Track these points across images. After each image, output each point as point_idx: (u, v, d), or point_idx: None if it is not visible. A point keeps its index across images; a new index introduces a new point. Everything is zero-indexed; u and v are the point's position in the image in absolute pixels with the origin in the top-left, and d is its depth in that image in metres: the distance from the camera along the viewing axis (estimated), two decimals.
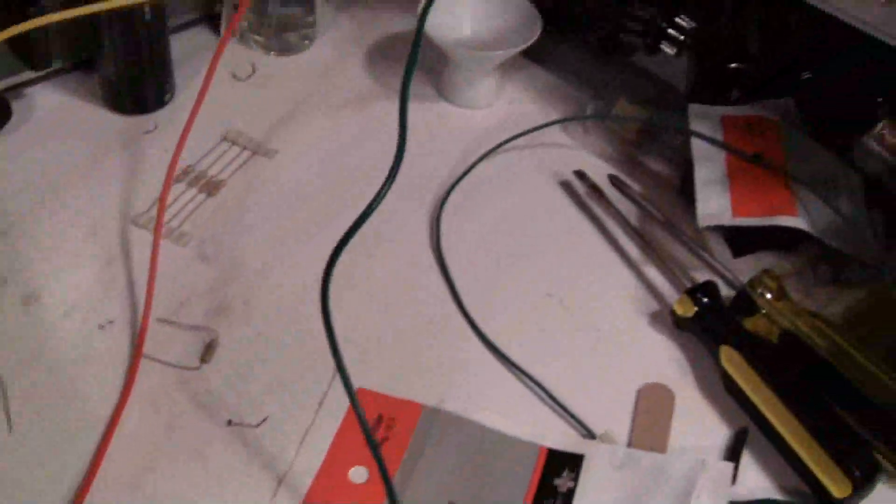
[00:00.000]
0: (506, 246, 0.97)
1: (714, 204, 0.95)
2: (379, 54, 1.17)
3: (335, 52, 1.17)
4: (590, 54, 1.15)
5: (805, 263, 0.98)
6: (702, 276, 0.94)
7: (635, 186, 1.04)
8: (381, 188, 0.72)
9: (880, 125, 0.97)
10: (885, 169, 0.98)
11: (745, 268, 0.97)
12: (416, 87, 1.13)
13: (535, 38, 1.06)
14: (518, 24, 1.09)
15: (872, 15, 0.89)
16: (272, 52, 1.15)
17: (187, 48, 1.13)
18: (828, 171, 1.00)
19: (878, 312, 0.89)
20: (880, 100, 1.00)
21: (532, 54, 1.11)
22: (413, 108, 1.05)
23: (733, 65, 1.10)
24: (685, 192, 1.01)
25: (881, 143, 0.97)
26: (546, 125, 1.08)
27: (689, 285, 0.92)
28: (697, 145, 1.00)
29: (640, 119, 1.05)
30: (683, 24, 1.12)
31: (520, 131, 1.07)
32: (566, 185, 1.03)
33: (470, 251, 0.97)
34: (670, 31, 1.12)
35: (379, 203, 0.72)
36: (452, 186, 1.02)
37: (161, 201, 0.94)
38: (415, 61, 0.80)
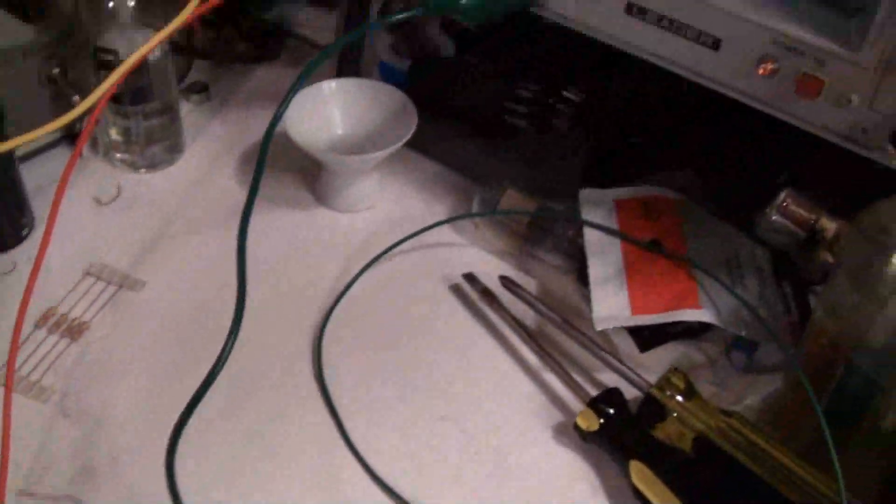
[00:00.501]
0: (395, 365, 0.90)
1: (611, 304, 0.89)
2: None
3: (207, 161, 1.10)
4: (475, 140, 1.08)
5: (718, 351, 0.92)
6: (606, 377, 0.88)
7: (532, 281, 0.98)
8: (223, 351, 0.66)
9: (782, 195, 0.92)
10: (791, 241, 0.92)
11: (654, 362, 0.91)
12: (290, 192, 1.07)
13: (411, 131, 0.99)
14: (394, 117, 1.03)
15: (753, 87, 0.83)
16: (141, 170, 1.07)
17: (50, 172, 1.05)
18: (732, 249, 0.95)
19: (796, 401, 0.83)
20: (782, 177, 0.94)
21: (414, 144, 1.04)
22: (288, 217, 1.00)
23: (627, 138, 1.04)
24: (584, 281, 0.94)
25: (784, 215, 0.91)
26: (432, 226, 1.00)
27: (592, 392, 0.86)
28: (591, 236, 0.94)
29: (528, 212, 0.98)
30: (572, 97, 1.06)
31: (405, 234, 1.00)
32: (458, 290, 0.97)
33: (355, 375, 0.90)
34: (559, 106, 1.06)
35: (222, 367, 0.65)
36: (334, 303, 0.95)
37: (10, 356, 0.86)
38: (254, 198, 0.74)
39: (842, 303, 0.78)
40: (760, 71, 0.81)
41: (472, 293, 0.95)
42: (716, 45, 0.84)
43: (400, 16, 0.82)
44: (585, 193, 0.98)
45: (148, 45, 0.89)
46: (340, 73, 1.12)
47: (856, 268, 0.76)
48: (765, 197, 0.93)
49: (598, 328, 0.88)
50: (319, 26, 1.27)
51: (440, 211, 1.05)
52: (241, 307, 0.76)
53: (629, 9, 0.87)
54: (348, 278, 0.97)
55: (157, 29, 0.92)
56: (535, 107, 1.05)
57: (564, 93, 1.07)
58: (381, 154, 0.97)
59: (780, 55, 0.81)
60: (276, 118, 0.83)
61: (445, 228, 1.02)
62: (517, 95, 1.06)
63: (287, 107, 0.86)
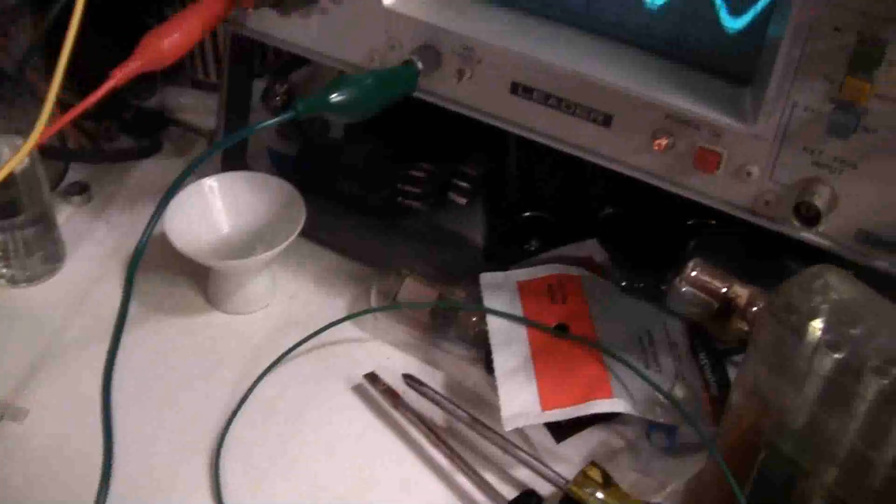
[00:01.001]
0: (301, 482, 0.85)
1: (519, 399, 0.85)
2: (142, 266, 1.02)
3: (90, 268, 1.04)
4: (370, 225, 1.03)
5: (638, 432, 0.88)
6: (522, 473, 0.84)
7: (439, 373, 0.93)
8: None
9: (691, 265, 0.88)
10: (704, 312, 0.88)
11: (572, 452, 0.87)
12: (179, 296, 1.01)
13: (299, 226, 0.94)
14: (281, 210, 0.98)
15: (649, 163, 0.81)
16: (21, 284, 1.01)
17: None
18: (643, 325, 0.91)
19: (719, 485, 0.79)
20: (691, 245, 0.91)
21: (308, 233, 0.99)
22: (177, 324, 0.96)
23: (528, 213, 1.00)
24: (493, 371, 0.89)
25: (695, 286, 0.88)
26: (330, 325, 0.95)
27: (508, 493, 0.82)
28: (495, 325, 0.90)
29: (429, 304, 0.93)
30: (469, 171, 1.02)
31: (303, 333, 0.95)
32: (361, 391, 0.91)
33: (258, 495, 0.84)
34: (455, 181, 1.02)
35: None
36: (231, 418, 0.89)
37: None
38: (123, 322, 0.69)
39: (758, 386, 0.74)
40: (655, 147, 0.78)
41: (376, 394, 0.90)
42: (607, 121, 0.80)
43: (270, 122, 0.77)
44: (487, 278, 0.93)
45: (10, 164, 0.83)
46: (226, 163, 1.07)
47: (769, 350, 0.73)
48: (674, 265, 0.90)
49: (508, 428, 0.83)
50: (204, 111, 1.21)
51: (339, 304, 1.00)
52: (110, 448, 0.71)
53: (514, 89, 0.83)
54: (244, 389, 0.91)
55: (22, 134, 0.86)
56: (430, 185, 1.01)
57: (461, 167, 1.03)
58: (268, 255, 0.92)
59: (675, 129, 0.77)
60: (150, 228, 0.78)
61: (346, 323, 0.97)
62: (410, 176, 1.01)
63: (160, 215, 0.81)
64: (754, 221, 0.79)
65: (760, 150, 0.76)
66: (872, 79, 0.69)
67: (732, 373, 0.90)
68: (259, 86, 1.11)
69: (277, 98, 1.08)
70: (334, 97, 0.76)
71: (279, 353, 0.94)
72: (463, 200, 1.03)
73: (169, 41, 0.86)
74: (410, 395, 0.90)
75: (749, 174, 0.77)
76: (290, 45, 0.93)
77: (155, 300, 0.99)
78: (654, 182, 0.81)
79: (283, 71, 1.10)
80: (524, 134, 0.84)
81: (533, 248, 1.01)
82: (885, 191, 0.73)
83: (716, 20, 0.77)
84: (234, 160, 1.08)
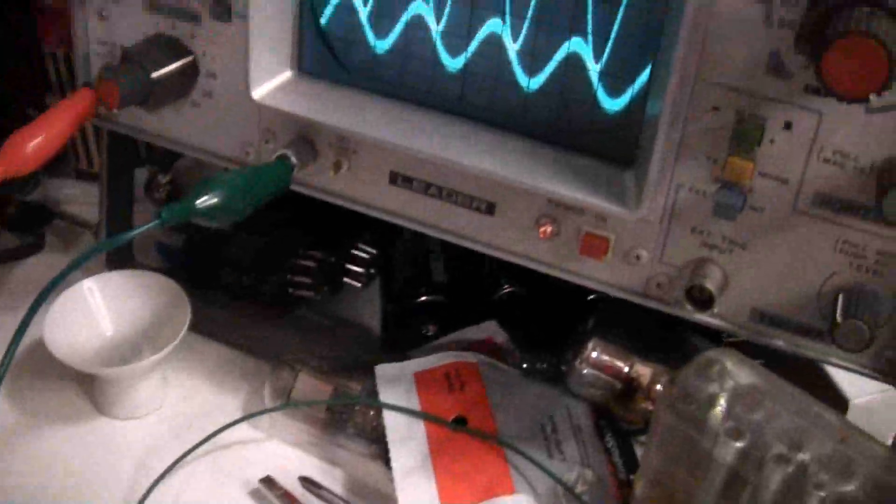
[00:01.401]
0: None
1: (418, 499, 0.81)
2: (22, 380, 0.97)
3: None
4: (262, 318, 0.99)
5: None
6: None
7: (340, 471, 0.89)
8: None
9: (590, 345, 0.86)
10: (606, 392, 0.86)
11: None
12: (66, 403, 0.95)
13: (184, 326, 0.90)
14: (167, 309, 0.94)
15: (535, 250, 0.79)
16: None
17: None
18: (544, 411, 0.89)
19: None
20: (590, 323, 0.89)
21: (199, 328, 0.95)
22: (63, 434, 0.93)
23: (423, 297, 0.97)
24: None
25: (595, 367, 0.86)
26: (223, 429, 0.91)
27: None
28: (391, 420, 0.87)
29: (324, 402, 0.90)
30: (364, 254, 0.99)
31: (197, 436, 0.90)
32: (259, 496, 0.87)
33: None
34: (349, 266, 0.98)
35: None
36: None
37: None
38: None
39: (661, 476, 0.72)
40: (540, 234, 0.75)
41: (274, 499, 0.86)
42: (490, 209, 0.78)
43: (133, 233, 0.73)
44: (382, 370, 0.90)
45: None
46: (112, 259, 1.03)
47: (670, 441, 0.71)
48: (574, 344, 0.87)
49: None
50: (89, 202, 1.17)
51: (234, 402, 0.96)
52: None
53: (393, 178, 0.80)
54: (135, 501, 0.87)
55: None
56: (321, 274, 0.98)
57: (354, 251, 1.00)
58: (154, 359, 0.88)
59: (559, 215, 0.75)
60: (17, 336, 0.73)
61: (241, 423, 0.93)
62: (300, 266, 0.98)
63: (29, 322, 0.77)
64: (648, 305, 0.76)
65: (648, 234, 0.73)
66: (755, 157, 0.68)
67: (640, 452, 0.87)
68: (142, 176, 1.07)
69: (161, 189, 1.04)
70: (201, 202, 0.72)
71: (172, 460, 0.90)
72: (359, 284, 1.00)
73: (33, 144, 0.82)
74: (309, 498, 0.86)
75: (638, 258, 0.75)
76: (163, 139, 0.90)
77: (37, 407, 0.94)
78: (543, 269, 0.79)
79: (166, 160, 1.06)
80: (407, 224, 0.82)
81: (430, 333, 0.98)
82: (776, 269, 0.72)
83: (594, 101, 0.74)
84: (120, 255, 1.04)
